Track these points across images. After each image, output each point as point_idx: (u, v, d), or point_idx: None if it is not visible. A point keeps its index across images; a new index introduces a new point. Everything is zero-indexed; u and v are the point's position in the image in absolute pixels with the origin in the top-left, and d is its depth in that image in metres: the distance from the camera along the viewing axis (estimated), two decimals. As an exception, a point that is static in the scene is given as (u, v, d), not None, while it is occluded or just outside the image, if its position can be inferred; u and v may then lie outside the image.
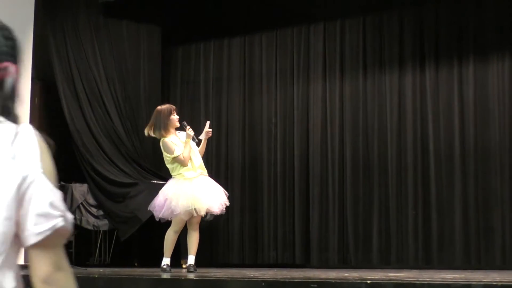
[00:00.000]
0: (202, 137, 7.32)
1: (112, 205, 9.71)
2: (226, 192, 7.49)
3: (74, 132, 9.98)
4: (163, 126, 7.25)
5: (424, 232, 9.36)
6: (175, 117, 7.28)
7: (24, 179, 1.78)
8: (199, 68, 11.29)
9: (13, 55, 1.95)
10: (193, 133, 7.22)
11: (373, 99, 9.91)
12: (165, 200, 7.15)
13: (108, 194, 9.78)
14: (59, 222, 1.78)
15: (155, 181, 8.37)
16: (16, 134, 1.81)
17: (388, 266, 9.35)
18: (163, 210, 7.15)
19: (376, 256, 9.57)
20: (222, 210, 7.28)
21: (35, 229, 1.76)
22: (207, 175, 7.39)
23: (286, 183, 10.30)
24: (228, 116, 10.92)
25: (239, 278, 5.74)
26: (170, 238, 7.24)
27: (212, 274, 6.72)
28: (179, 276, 6.48)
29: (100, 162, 10.00)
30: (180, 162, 7.17)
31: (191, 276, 6.55)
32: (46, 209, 1.78)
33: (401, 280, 5.26)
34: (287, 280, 5.49)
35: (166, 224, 7.53)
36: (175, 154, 7.17)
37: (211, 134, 7.36)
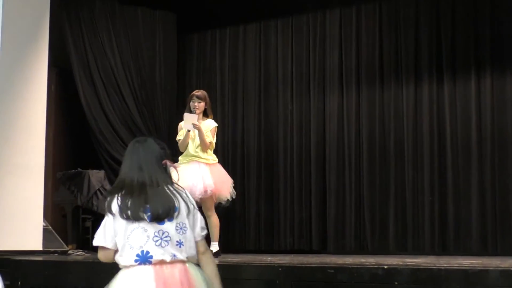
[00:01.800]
0: (186, 127, 7.32)
1: (128, 192, 9.75)
2: (228, 180, 7.47)
3: (90, 119, 10.01)
4: (185, 110, 7.42)
5: (440, 218, 9.33)
6: (192, 104, 7.36)
7: None
8: (215, 55, 11.28)
9: None
10: (187, 126, 7.29)
11: (389, 86, 9.87)
12: None
13: (124, 181, 9.80)
14: None
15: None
16: None
17: (405, 252, 9.33)
18: None
19: (392, 243, 9.55)
20: (195, 196, 7.23)
21: None
22: (206, 162, 7.35)
23: (303, 169, 10.29)
24: (244, 103, 10.91)
25: (256, 263, 5.75)
26: None
27: (229, 259, 6.74)
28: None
29: (117, 149, 10.03)
30: (179, 146, 7.42)
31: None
32: None
33: (418, 266, 5.25)
34: (303, 265, 5.49)
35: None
36: (177, 137, 7.46)
37: (198, 127, 7.28)
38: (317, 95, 10.33)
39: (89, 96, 10.08)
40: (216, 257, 7.13)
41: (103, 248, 3.43)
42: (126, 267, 3.33)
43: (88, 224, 10.24)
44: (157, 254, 3.28)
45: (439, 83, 9.53)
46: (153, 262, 3.27)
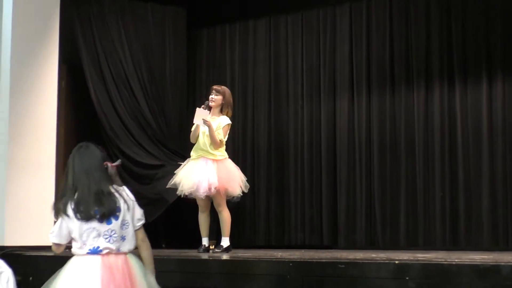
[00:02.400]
0: (196, 122, 7.32)
1: (139, 187, 9.73)
2: (238, 176, 7.46)
3: (101, 115, 10.01)
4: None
5: (451, 213, 9.30)
6: (210, 96, 7.42)
7: None
8: (225, 50, 11.27)
9: None
10: (197, 121, 7.30)
11: (400, 81, 9.84)
12: None
13: (135, 176, 9.82)
14: None
15: (181, 163, 8.38)
16: None
17: (416, 247, 9.30)
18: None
19: (403, 238, 9.53)
20: (199, 194, 7.22)
21: None
22: (214, 158, 7.33)
23: (313, 164, 10.27)
24: (254, 98, 10.90)
25: (266, 258, 5.75)
26: (199, 218, 7.39)
27: (240, 255, 6.74)
28: (206, 257, 6.50)
29: (127, 145, 10.04)
30: (190, 137, 7.49)
31: (220, 256, 6.57)
32: None
33: (429, 261, 5.24)
34: (314, 260, 5.49)
35: (195, 204, 7.57)
36: (192, 128, 7.48)
37: (208, 124, 7.26)
38: (328, 90, 10.31)
39: (99, 92, 10.09)
40: (227, 252, 7.14)
41: (58, 244, 4.19)
42: (78, 255, 4.07)
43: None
44: (105, 248, 4.02)
45: (450, 81, 9.49)
46: (101, 253, 4.02)
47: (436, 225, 9.35)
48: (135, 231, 4.20)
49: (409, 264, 5.05)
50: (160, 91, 10.66)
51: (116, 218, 4.08)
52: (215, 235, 8.21)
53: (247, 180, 7.61)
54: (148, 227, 9.81)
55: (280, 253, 6.95)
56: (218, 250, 7.22)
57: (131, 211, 4.18)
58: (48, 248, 7.73)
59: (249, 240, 10.37)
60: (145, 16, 10.76)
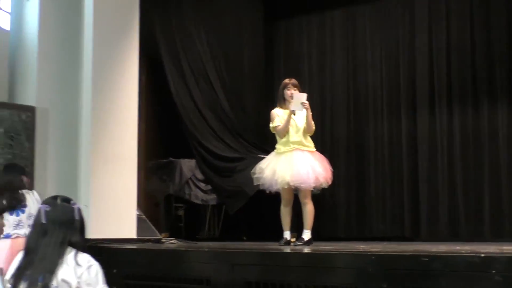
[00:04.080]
0: (294, 108, 7.17)
1: (219, 179, 9.81)
2: (329, 168, 7.36)
3: (180, 108, 10.10)
4: (277, 98, 7.37)
5: (538, 204, 9.10)
6: (288, 91, 7.27)
7: None
8: (302, 42, 11.24)
9: None
10: (295, 108, 7.15)
11: (482, 67, 9.64)
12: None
13: (215, 169, 9.88)
14: None
15: (260, 155, 8.38)
16: None
17: (500, 239, 9.10)
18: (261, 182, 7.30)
19: (487, 229, 9.35)
20: (309, 185, 7.13)
21: None
22: (309, 150, 7.26)
23: (394, 155, 10.17)
24: (332, 90, 10.84)
25: (347, 251, 5.70)
26: (281, 212, 7.33)
27: (321, 248, 6.70)
28: (288, 250, 6.49)
29: (207, 137, 10.11)
30: (276, 133, 7.29)
31: (302, 249, 6.55)
32: None
33: (516, 254, 5.10)
34: (396, 253, 5.41)
35: (275, 198, 7.54)
36: (273, 124, 7.26)
37: (307, 106, 7.18)
38: (407, 78, 10.18)
39: (178, 85, 10.18)
40: (308, 245, 7.10)
41: None
42: None
43: (181, 212, 10.36)
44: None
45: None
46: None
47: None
48: None
49: (495, 257, 4.93)
50: (238, 83, 10.71)
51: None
52: (295, 228, 8.19)
53: (332, 173, 7.53)
54: (230, 220, 9.91)
55: (361, 246, 6.88)
56: (300, 243, 7.18)
57: None
58: (132, 241, 7.87)
59: (330, 232, 10.33)
60: (222, 9, 10.82)
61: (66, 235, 3.51)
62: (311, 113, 7.17)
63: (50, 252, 3.45)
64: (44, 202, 3.64)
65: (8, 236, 5.65)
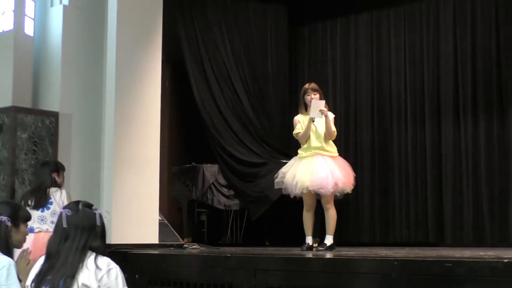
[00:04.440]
0: (313, 115, 7.15)
1: (242, 185, 9.79)
2: (351, 173, 7.30)
3: (204, 113, 10.12)
4: (299, 104, 7.36)
5: None
6: (308, 96, 7.25)
7: None
8: (326, 47, 11.21)
9: None
10: (313, 114, 7.13)
11: (508, 68, 9.55)
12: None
13: (238, 174, 9.87)
14: None
15: (284, 160, 8.35)
16: None
17: (527, 245, 9.02)
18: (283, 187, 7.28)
19: (513, 234, 9.25)
20: (328, 190, 7.08)
21: None
22: (330, 155, 7.22)
23: (418, 160, 10.09)
24: (357, 95, 10.80)
25: (370, 257, 5.66)
26: (304, 217, 7.30)
27: (343, 253, 6.66)
28: (310, 255, 6.46)
29: (230, 142, 10.10)
30: (298, 139, 7.28)
31: (324, 255, 6.52)
32: None
33: (541, 259, 5.03)
34: (420, 258, 5.37)
35: (298, 203, 7.50)
36: (295, 131, 7.27)
37: (326, 113, 7.14)
38: (431, 83, 10.11)
39: (202, 91, 10.20)
40: (331, 250, 7.06)
41: None
42: None
43: (203, 217, 10.35)
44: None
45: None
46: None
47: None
48: None
49: (519, 263, 4.87)
50: (262, 89, 10.70)
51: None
52: (318, 233, 8.15)
53: (355, 177, 7.47)
54: (252, 225, 9.90)
55: (384, 251, 6.83)
56: (322, 248, 7.15)
57: None
58: (154, 246, 7.88)
59: (354, 237, 10.28)
60: (246, 14, 10.83)
61: (87, 240, 3.52)
62: (331, 119, 7.15)
63: (71, 257, 3.46)
64: (66, 207, 3.66)
65: (31, 230, 5.80)
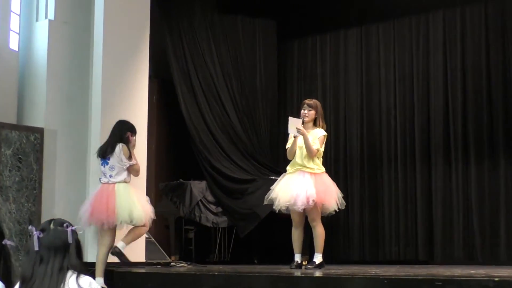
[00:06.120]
0: (290, 132, 7.13)
1: (230, 201, 9.69)
2: (335, 191, 7.22)
3: (191, 128, 10.02)
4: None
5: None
6: (303, 111, 7.23)
7: None
8: (316, 61, 11.16)
9: None
10: (291, 131, 7.12)
11: (497, 87, 9.51)
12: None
13: (226, 191, 9.77)
14: None
15: (273, 177, 8.26)
16: None
17: (517, 262, 8.94)
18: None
19: (504, 252, 9.17)
20: (298, 206, 6.99)
21: None
22: (311, 172, 7.13)
23: (407, 177, 10.03)
24: (346, 109, 10.74)
25: (360, 275, 5.57)
26: (292, 234, 7.21)
27: (333, 271, 6.57)
28: (299, 274, 6.36)
29: (218, 159, 10.00)
30: (287, 153, 7.26)
31: (313, 273, 6.42)
32: None
33: (533, 278, 4.95)
34: (410, 277, 5.29)
35: (287, 220, 7.40)
36: (286, 145, 7.26)
37: (302, 132, 7.09)
38: (421, 99, 10.07)
39: (190, 106, 10.11)
40: (320, 268, 6.97)
41: None
42: None
43: (191, 235, 10.24)
44: None
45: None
46: None
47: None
48: None
49: (509, 281, 4.79)
50: (250, 104, 10.62)
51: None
52: (308, 251, 8.05)
53: (343, 197, 7.38)
54: (241, 242, 9.80)
55: (374, 269, 6.75)
56: (311, 266, 7.06)
57: None
58: (141, 265, 7.77)
59: (343, 255, 10.19)
60: (235, 29, 10.77)
61: (62, 261, 3.38)
62: (319, 136, 7.11)
63: (47, 280, 3.32)
64: (40, 228, 3.52)
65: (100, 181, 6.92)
